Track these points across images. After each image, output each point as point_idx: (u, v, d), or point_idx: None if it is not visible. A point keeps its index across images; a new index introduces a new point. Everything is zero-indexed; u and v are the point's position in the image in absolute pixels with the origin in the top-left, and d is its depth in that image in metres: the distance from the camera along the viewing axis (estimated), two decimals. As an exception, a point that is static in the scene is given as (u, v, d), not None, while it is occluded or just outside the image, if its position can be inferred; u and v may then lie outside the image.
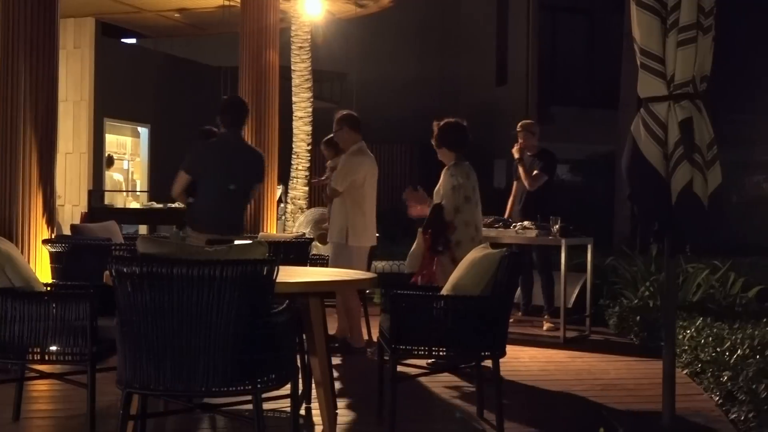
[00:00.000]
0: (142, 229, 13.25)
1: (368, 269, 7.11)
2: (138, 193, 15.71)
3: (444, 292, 4.79)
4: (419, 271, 6.23)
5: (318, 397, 4.53)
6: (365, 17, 13.58)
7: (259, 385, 3.50)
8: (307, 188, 11.45)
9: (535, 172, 8.27)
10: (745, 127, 16.60)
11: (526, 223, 7.81)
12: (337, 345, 6.87)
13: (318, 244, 9.26)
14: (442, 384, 5.79)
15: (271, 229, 9.62)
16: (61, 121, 7.53)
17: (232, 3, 11.20)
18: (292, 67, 11.50)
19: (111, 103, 14.68)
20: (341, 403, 5.17)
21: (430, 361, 5.58)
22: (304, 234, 8.93)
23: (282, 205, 11.40)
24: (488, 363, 4.64)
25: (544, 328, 8.24)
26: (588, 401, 5.53)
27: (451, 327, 4.56)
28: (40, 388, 5.50)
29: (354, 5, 12.35)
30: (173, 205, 10.76)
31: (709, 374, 5.61)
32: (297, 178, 11.41)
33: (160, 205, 11.68)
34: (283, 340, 3.67)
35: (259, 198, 9.56)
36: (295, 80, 11.50)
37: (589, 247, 7.91)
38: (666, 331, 4.78)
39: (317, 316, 4.44)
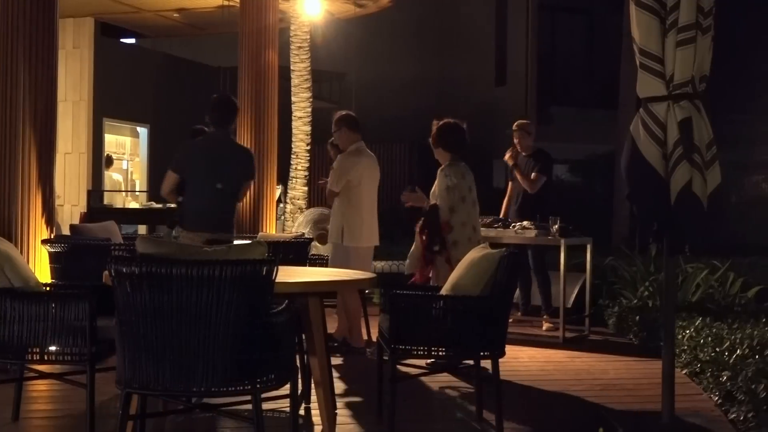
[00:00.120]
0: (142, 229, 13.25)
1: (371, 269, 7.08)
2: (137, 193, 15.69)
3: (443, 292, 4.79)
4: (417, 272, 6.24)
5: (317, 397, 4.53)
6: (364, 17, 13.58)
7: (258, 385, 3.50)
8: (306, 188, 11.44)
9: (533, 174, 8.26)
10: (744, 127, 16.60)
11: (525, 223, 7.80)
12: (336, 345, 6.87)
13: (317, 244, 9.27)
14: (441, 384, 5.79)
15: (270, 229, 9.62)
16: (60, 121, 7.52)
17: (231, 3, 11.21)
18: (292, 67, 11.51)
19: (110, 103, 14.68)
20: (341, 403, 5.16)
21: (429, 361, 5.58)
22: (303, 234, 8.94)
23: (281, 205, 11.40)
24: (488, 363, 4.64)
25: (544, 328, 8.24)
26: (587, 401, 5.53)
27: (451, 327, 4.55)
28: (39, 388, 5.50)
29: (353, 5, 12.35)
30: (172, 205, 10.73)
31: (709, 374, 5.61)
32: (296, 178, 11.41)
33: (160, 205, 11.66)
34: (282, 340, 3.66)
35: (258, 198, 9.57)
36: (295, 80, 11.50)
37: (589, 247, 7.91)
38: (665, 331, 4.78)
39: (317, 316, 4.44)
